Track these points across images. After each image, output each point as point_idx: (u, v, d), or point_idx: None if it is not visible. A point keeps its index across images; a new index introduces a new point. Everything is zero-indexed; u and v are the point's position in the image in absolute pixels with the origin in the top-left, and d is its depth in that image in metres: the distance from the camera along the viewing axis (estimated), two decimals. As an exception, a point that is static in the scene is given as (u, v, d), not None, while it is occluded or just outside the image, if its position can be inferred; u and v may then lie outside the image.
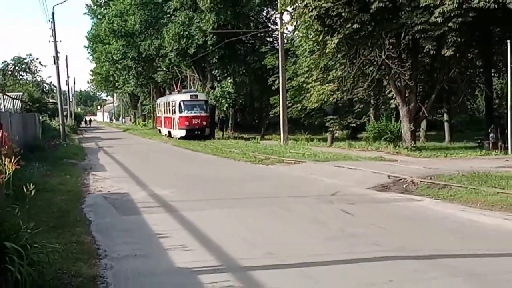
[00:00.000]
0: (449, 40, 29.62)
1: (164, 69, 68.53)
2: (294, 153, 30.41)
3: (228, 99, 57.64)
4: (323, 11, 30.55)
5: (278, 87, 40.97)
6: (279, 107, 41.65)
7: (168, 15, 60.39)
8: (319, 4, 30.14)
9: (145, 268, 8.74)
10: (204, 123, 49.28)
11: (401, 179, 18.46)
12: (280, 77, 40.13)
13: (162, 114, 60.78)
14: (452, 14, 27.42)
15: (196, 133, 47.51)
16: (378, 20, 30.56)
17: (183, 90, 54.32)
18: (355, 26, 30.18)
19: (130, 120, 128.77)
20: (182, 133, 47.89)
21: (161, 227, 11.88)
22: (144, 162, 29.46)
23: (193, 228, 11.75)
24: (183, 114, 47.96)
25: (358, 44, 33.16)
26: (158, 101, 67.79)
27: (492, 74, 40.01)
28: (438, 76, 35.40)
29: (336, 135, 43.57)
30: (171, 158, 32.03)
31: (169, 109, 53.64)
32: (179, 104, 48.84)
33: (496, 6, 26.42)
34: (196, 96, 50.56)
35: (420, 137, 36.76)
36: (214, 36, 53.91)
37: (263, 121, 62.02)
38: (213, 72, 59.61)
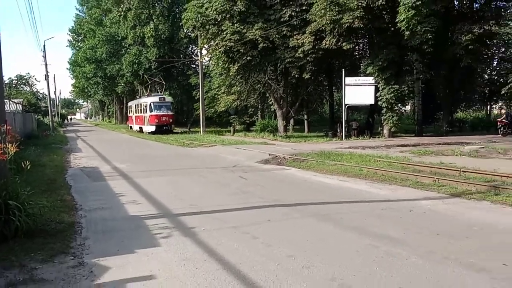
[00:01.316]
0: (307, 68, 30.24)
1: (122, 84, 67.28)
2: (209, 140, 30.37)
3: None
4: (228, 48, 30.58)
5: (199, 97, 41.01)
6: (200, 110, 41.74)
7: (125, 48, 60.14)
8: (225, 43, 30.14)
9: (108, 216, 8.59)
10: (171, 120, 43.16)
11: (277, 156, 18.77)
12: (200, 91, 40.26)
13: (133, 114, 51.73)
14: (309, 52, 28.01)
15: (164, 128, 41.68)
16: (263, 55, 30.83)
17: (152, 94, 46.91)
18: (248, 58, 30.40)
19: (99, 118, 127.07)
20: (153, 128, 41.67)
21: (119, 189, 11.68)
22: (109, 146, 28.67)
23: (141, 189, 11.60)
24: (153, 113, 41.65)
25: (250, 70, 33.43)
26: (130, 103, 57.40)
27: (334, 90, 41.17)
28: (300, 91, 36.19)
29: (237, 128, 43.89)
30: (127, 144, 31.35)
31: (141, 109, 46.05)
32: (150, 105, 42.23)
33: (336, 47, 27.20)
34: (164, 98, 43.86)
35: (290, 130, 37.46)
36: (156, 63, 54.11)
37: (189, 119, 61.40)
38: (155, 86, 59.10)
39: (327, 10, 26.16)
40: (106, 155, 21.64)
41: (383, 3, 25.92)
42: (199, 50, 44.33)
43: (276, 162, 17.60)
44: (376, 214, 8.49)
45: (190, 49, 61.83)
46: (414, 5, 23.13)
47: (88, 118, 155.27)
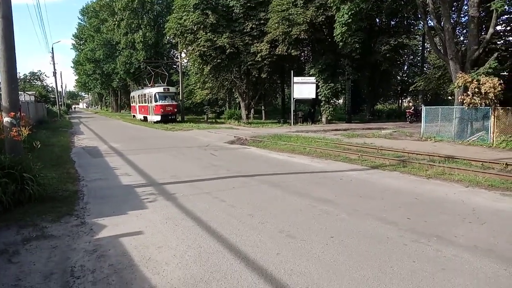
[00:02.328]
0: (264, 69, 30.18)
1: (117, 80, 65.33)
2: (187, 125, 29.95)
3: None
4: (202, 52, 30.08)
5: (179, 91, 40.10)
6: (180, 102, 40.97)
7: (119, 51, 58.21)
8: (199, 49, 29.67)
9: (105, 185, 8.38)
10: (175, 110, 35.29)
11: (240, 138, 18.74)
12: (180, 86, 39.24)
13: (137, 104, 42.96)
14: (266, 57, 27.90)
15: (169, 117, 34.43)
16: (230, 58, 30.45)
17: (156, 85, 38.07)
18: (218, 61, 30.05)
19: (98, 107, 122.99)
20: (158, 117, 34.29)
21: (114, 164, 11.38)
22: (106, 129, 27.83)
23: (132, 164, 11.33)
24: (158, 103, 34.00)
25: (219, 70, 33.00)
26: (133, 94, 47.39)
27: (285, 87, 41.22)
28: (259, 87, 36.00)
29: (209, 116, 43.20)
30: (121, 128, 30.49)
31: (145, 99, 37.93)
32: (155, 95, 34.40)
33: (286, 53, 27.18)
34: (168, 89, 35.86)
35: (251, 117, 37.33)
36: (144, 64, 52.64)
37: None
38: (144, 82, 57.76)
39: (280, 24, 26.08)
40: (104, 137, 20.99)
41: (323, 20, 26.07)
42: (179, 54, 43.24)
43: (240, 143, 17.57)
44: (315, 182, 8.63)
45: (172, 52, 60.37)
46: (346, 22, 23.30)
47: (89, 107, 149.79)
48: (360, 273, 4.04)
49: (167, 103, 34.31)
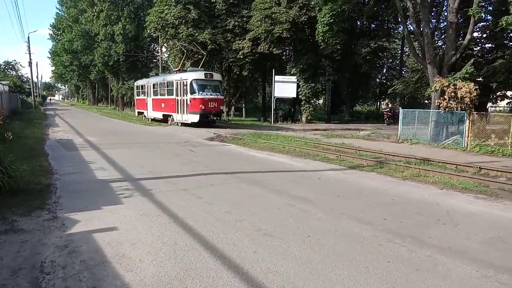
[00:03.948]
0: (246, 67, 30.10)
1: (94, 72, 64.00)
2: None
3: (131, 91, 55.58)
4: (183, 48, 29.75)
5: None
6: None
7: (97, 43, 56.95)
8: (180, 44, 29.34)
9: (79, 179, 8.17)
10: (220, 107, 24.39)
11: (220, 135, 18.64)
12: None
13: (149, 96, 29.96)
14: (247, 54, 27.88)
15: (211, 118, 23.43)
16: (211, 54, 30.21)
17: (189, 69, 25.79)
18: (199, 56, 29.75)
19: (75, 100, 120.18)
20: (195, 117, 22.82)
21: (90, 158, 11.11)
22: (82, 122, 27.19)
23: (109, 158, 11.09)
24: (197, 96, 22.68)
25: (201, 66, 32.71)
26: (140, 82, 33.38)
27: (266, 85, 41.25)
28: (240, 85, 35.97)
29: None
30: (97, 120, 29.85)
31: (169, 90, 25.90)
32: (191, 84, 22.90)
33: (268, 51, 27.20)
34: (212, 75, 24.03)
35: (231, 115, 37.18)
36: (124, 56, 51.79)
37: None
38: (123, 75, 56.85)
39: (263, 22, 26.07)
40: (79, 130, 20.51)
41: (305, 19, 26.21)
42: (159, 48, 42.71)
43: (219, 140, 17.47)
44: (293, 181, 8.65)
45: (152, 46, 59.52)
46: (328, 22, 23.52)
47: (65, 99, 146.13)
48: (336, 272, 4.05)
49: (211, 97, 22.96)
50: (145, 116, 31.26)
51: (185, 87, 23.27)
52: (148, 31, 45.21)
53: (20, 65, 67.01)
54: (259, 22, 26.20)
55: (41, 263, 4.10)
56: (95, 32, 56.00)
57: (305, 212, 6.15)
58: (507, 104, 26.43)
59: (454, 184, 8.38)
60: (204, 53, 28.29)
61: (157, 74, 30.29)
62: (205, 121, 22.79)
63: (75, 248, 4.50)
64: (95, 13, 53.30)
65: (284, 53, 35.13)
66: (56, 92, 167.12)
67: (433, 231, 5.37)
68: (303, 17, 25.99)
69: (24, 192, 6.73)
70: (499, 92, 23.06)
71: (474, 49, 21.26)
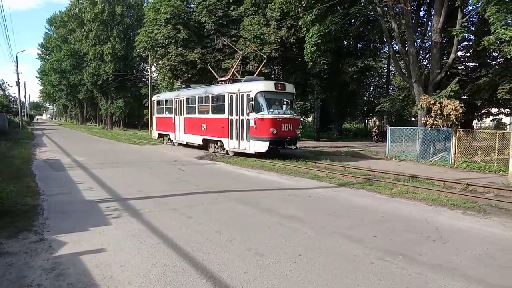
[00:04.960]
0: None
1: (83, 91, 63.87)
2: (156, 139, 29.50)
3: (120, 110, 55.54)
4: (172, 67, 29.93)
5: (148, 104, 39.49)
6: (149, 115, 40.30)
7: (86, 62, 57.07)
8: (170, 63, 29.54)
9: (67, 200, 8.06)
10: (297, 131, 16.66)
11: (210, 153, 18.58)
12: (149, 100, 38.78)
13: (178, 114, 22.45)
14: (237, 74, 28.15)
15: (286, 144, 16.29)
16: (200, 73, 30.40)
17: (247, 77, 18.84)
18: (189, 75, 29.95)
19: (63, 119, 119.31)
20: (262, 145, 15.63)
21: (78, 178, 10.98)
22: (70, 142, 26.94)
23: (97, 178, 10.97)
24: (265, 115, 15.55)
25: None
26: (165, 96, 25.60)
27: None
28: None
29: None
30: (85, 140, 29.59)
31: (216, 107, 18.34)
32: (256, 97, 15.77)
33: (257, 70, 27.51)
34: (284, 86, 16.75)
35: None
36: (113, 75, 51.86)
37: (140, 122, 59.18)
38: (112, 94, 56.74)
39: (252, 42, 26.43)
40: (67, 150, 20.30)
41: (294, 40, 26.68)
42: (149, 67, 42.92)
43: (209, 158, 17.40)
44: (283, 199, 8.64)
45: (141, 65, 59.83)
46: (316, 43, 23.98)
47: (53, 119, 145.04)
48: (327, 291, 4.03)
49: (285, 116, 16.18)
50: (170, 140, 24.09)
51: (246, 102, 16.19)
52: (138, 50, 45.45)
53: (8, 84, 66.10)
54: (248, 43, 26.57)
55: (27, 286, 4.01)
56: (84, 51, 56.21)
57: (295, 230, 6.14)
58: (491, 121, 26.95)
59: (443, 201, 8.46)
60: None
61: (187, 86, 23.67)
62: (276, 149, 16.25)
63: (62, 270, 4.41)
64: (85, 33, 53.59)
65: (273, 72, 35.54)
66: (44, 111, 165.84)
67: (423, 248, 5.40)
68: (292, 38, 26.48)
69: (11, 214, 6.60)
70: (483, 110, 23.53)
71: (459, 67, 21.76)
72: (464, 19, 16.83)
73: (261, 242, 5.49)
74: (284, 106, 16.75)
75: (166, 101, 24.59)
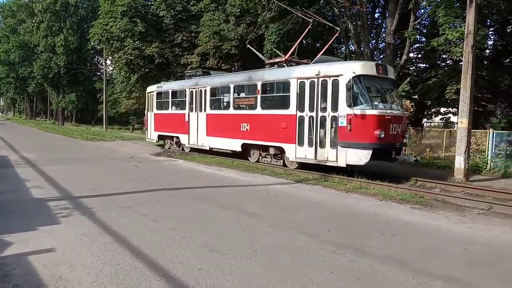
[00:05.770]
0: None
1: (33, 85, 60.68)
2: (111, 135, 28.68)
3: (72, 105, 53.56)
4: (129, 61, 29.13)
5: (103, 99, 38.20)
6: (103, 111, 39.08)
7: (37, 54, 54.32)
8: (126, 57, 28.70)
9: (14, 198, 7.67)
10: (406, 135, 11.67)
11: (167, 150, 18.31)
12: (104, 94, 37.71)
13: (196, 111, 16.35)
14: (196, 69, 27.85)
15: (391, 155, 11.06)
16: (158, 68, 29.82)
17: (320, 57, 13.43)
18: (146, 70, 29.29)
19: (11, 113, 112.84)
20: (361, 155, 10.28)
21: (26, 175, 10.45)
22: (18, 138, 25.57)
23: (46, 176, 10.49)
24: (368, 110, 10.11)
25: (147, 80, 31.93)
26: (170, 86, 19.08)
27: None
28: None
29: (135, 127, 41.60)
30: (36, 136, 28.22)
31: (270, 99, 13.12)
32: (352, 85, 10.14)
33: (217, 66, 27.35)
34: (385, 69, 11.08)
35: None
36: (65, 69, 49.62)
37: (94, 117, 57.07)
38: (64, 88, 54.38)
39: (211, 38, 26.23)
40: (15, 146, 19.24)
41: (253, 37, 26.73)
42: (104, 61, 41.52)
43: (167, 155, 17.15)
44: (241, 195, 8.68)
45: (96, 58, 57.71)
46: (275, 40, 24.16)
47: (0, 113, 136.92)
48: (281, 285, 4.09)
49: (392, 114, 10.92)
50: (178, 145, 18.45)
51: (331, 92, 11.05)
52: (92, 43, 43.81)
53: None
54: (207, 38, 26.33)
55: (-35, 291, 3.78)
56: (35, 43, 53.39)
57: (252, 226, 6.18)
58: (440, 119, 28.42)
59: (393, 196, 8.83)
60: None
61: (206, 73, 18.14)
62: (382, 156, 11.14)
63: (8, 272, 4.18)
64: (35, 24, 50.92)
65: (233, 68, 35.45)
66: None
67: (374, 242, 5.62)
68: (251, 34, 26.52)
69: None
70: (433, 109, 24.78)
71: (410, 68, 22.79)
72: (416, 22, 17.65)
73: (217, 239, 5.49)
74: (388, 98, 11.53)
75: (174, 92, 18.55)
